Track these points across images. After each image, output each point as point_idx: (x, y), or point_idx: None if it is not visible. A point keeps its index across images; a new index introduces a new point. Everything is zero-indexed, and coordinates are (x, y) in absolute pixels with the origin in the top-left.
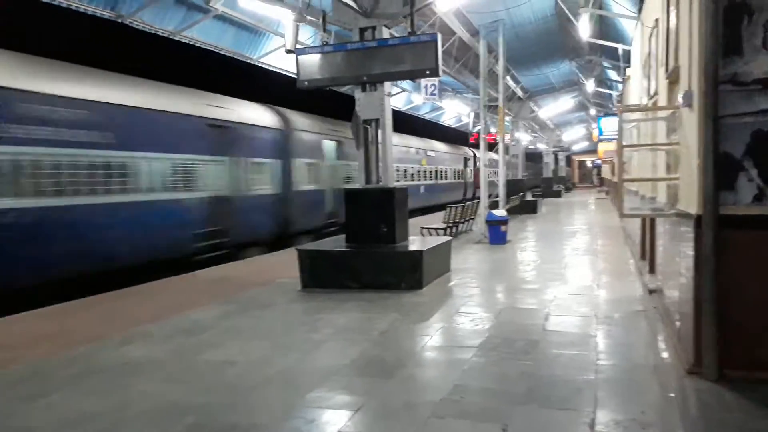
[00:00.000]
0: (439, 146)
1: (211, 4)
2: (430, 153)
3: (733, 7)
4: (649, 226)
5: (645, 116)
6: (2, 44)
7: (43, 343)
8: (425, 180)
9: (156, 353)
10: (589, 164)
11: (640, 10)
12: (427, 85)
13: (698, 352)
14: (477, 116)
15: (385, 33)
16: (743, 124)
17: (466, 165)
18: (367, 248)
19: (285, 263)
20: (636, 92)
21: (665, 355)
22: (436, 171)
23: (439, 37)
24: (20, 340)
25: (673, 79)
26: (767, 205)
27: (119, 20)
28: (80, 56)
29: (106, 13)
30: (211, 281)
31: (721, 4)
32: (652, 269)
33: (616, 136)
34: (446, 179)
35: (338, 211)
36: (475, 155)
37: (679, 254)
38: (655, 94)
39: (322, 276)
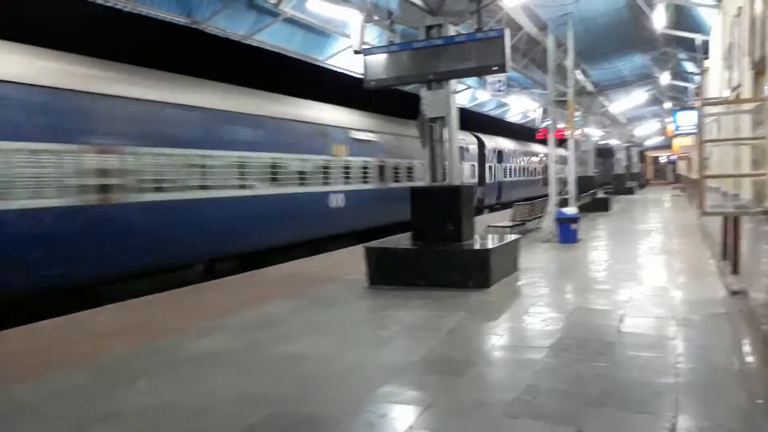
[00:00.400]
0: (536, 147)
1: (280, 7)
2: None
3: None
4: (731, 225)
5: (727, 109)
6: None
7: (126, 334)
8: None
9: (232, 345)
10: (663, 160)
11: None
12: (493, 81)
13: None
14: (545, 112)
15: (452, 30)
16: None
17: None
18: (433, 246)
19: (353, 260)
20: (716, 84)
21: (750, 359)
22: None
23: (507, 32)
24: (104, 331)
25: (759, 69)
26: None
27: (194, 26)
28: (159, 62)
29: (182, 20)
30: (282, 277)
31: None
32: (735, 270)
33: (694, 131)
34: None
35: None
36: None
37: (766, 254)
38: (739, 86)
39: (388, 273)
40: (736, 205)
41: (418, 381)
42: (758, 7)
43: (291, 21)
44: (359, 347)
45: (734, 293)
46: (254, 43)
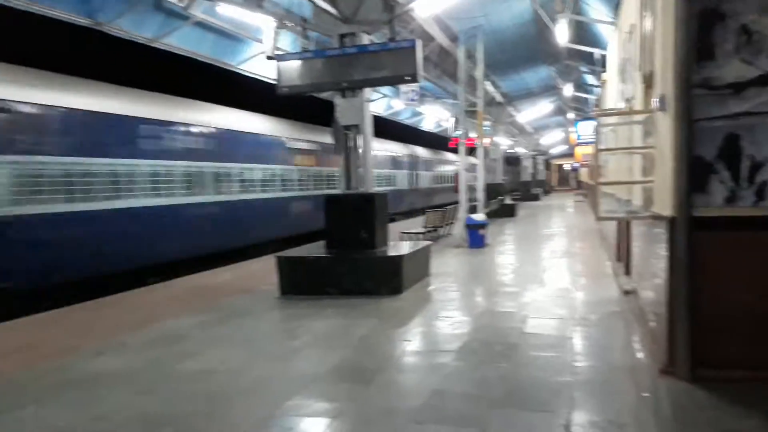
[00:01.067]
0: (431, 153)
1: (190, 11)
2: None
3: (705, 13)
4: (624, 229)
5: (621, 120)
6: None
7: (12, 356)
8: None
9: (132, 364)
10: (567, 168)
11: (616, 16)
12: (407, 90)
13: (672, 352)
14: (457, 121)
15: (365, 39)
16: (716, 128)
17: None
18: (346, 254)
19: (265, 271)
20: (613, 96)
21: (640, 355)
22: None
23: (419, 43)
24: None
25: (648, 83)
26: (739, 206)
27: (97, 27)
28: (59, 65)
29: (83, 21)
30: (191, 289)
31: (694, 10)
32: (627, 271)
33: (593, 140)
34: (443, 183)
35: None
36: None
37: (653, 256)
38: (632, 98)
39: (301, 283)
40: (628, 211)
41: (328, 391)
42: (648, 25)
43: (201, 25)
44: (269, 360)
45: (627, 293)
46: (162, 47)
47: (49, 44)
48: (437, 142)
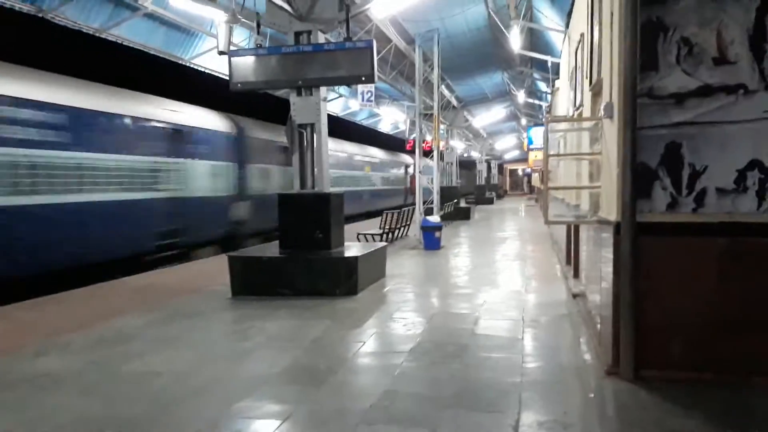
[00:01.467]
0: (381, 153)
1: (140, 2)
2: (374, 160)
3: (649, 24)
4: (573, 233)
5: (570, 126)
6: None
7: None
8: (368, 186)
9: (74, 365)
10: (520, 172)
11: (567, 25)
12: (363, 91)
13: (616, 353)
14: (413, 124)
15: (321, 38)
16: (659, 136)
17: (406, 172)
18: (301, 254)
19: (217, 270)
20: (563, 103)
21: (587, 357)
22: (381, 178)
23: (375, 43)
24: None
25: (596, 91)
26: (679, 212)
27: (39, 15)
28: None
29: (25, 8)
30: (137, 288)
31: (639, 21)
32: (576, 274)
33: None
34: (389, 185)
35: None
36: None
37: (600, 260)
38: (581, 105)
39: (254, 283)
40: (576, 215)
41: (279, 393)
42: (596, 34)
43: (152, 16)
44: (218, 361)
45: (575, 296)
46: (110, 38)
47: None
48: (393, 143)
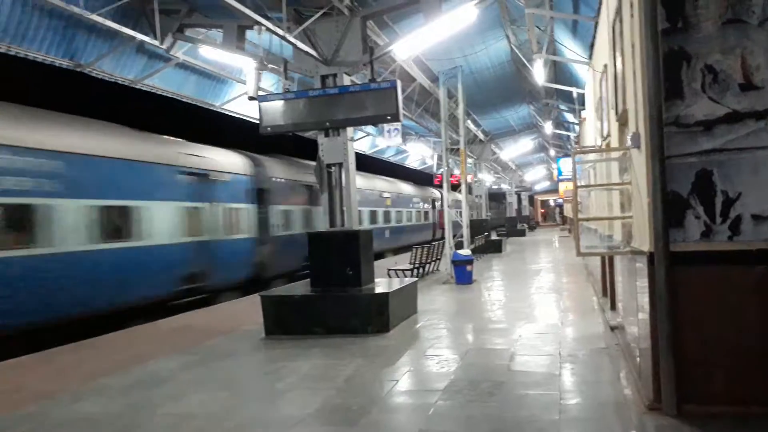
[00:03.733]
0: (406, 187)
1: (172, 53)
2: (393, 194)
3: (672, 53)
4: (608, 264)
5: (599, 157)
6: None
7: None
8: (390, 223)
9: (112, 408)
10: (551, 203)
11: (590, 56)
12: (389, 129)
13: (657, 387)
14: (440, 158)
15: (346, 80)
16: (688, 164)
17: (433, 206)
18: (332, 292)
19: (250, 310)
20: (591, 134)
21: (627, 391)
22: (402, 213)
23: (399, 83)
24: None
25: (622, 121)
26: (714, 241)
27: (78, 69)
28: (43, 104)
29: (65, 63)
30: (173, 330)
31: (661, 51)
32: (613, 306)
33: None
34: (411, 221)
35: None
36: (442, 196)
37: (636, 291)
38: (608, 135)
39: (286, 322)
40: (609, 246)
41: None
42: (619, 65)
43: (183, 66)
44: (252, 402)
45: (613, 328)
46: (145, 88)
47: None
48: (422, 178)
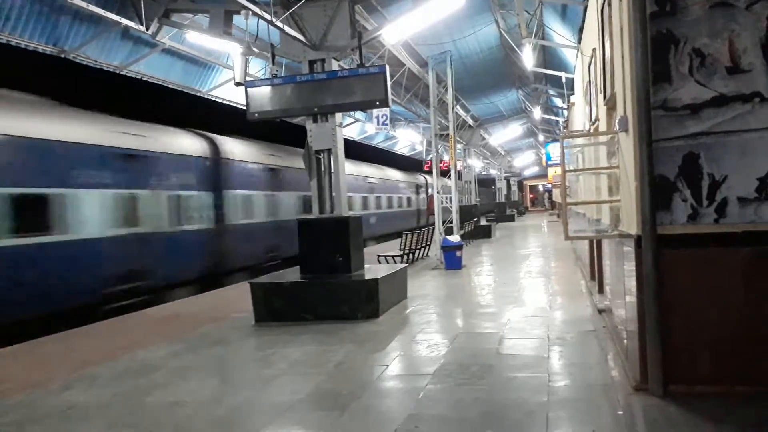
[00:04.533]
0: (389, 173)
1: (158, 39)
2: (371, 180)
3: (660, 37)
4: (596, 248)
5: (588, 141)
6: None
7: None
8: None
9: (101, 397)
10: (540, 188)
11: (579, 41)
12: (378, 115)
13: (644, 369)
14: (430, 144)
15: (335, 65)
16: (675, 148)
17: (418, 192)
18: (322, 279)
19: (240, 297)
20: (579, 118)
21: (614, 373)
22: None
23: (388, 68)
24: None
25: (610, 105)
26: (701, 223)
27: (62, 56)
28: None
29: (48, 49)
30: (162, 318)
31: (649, 35)
32: (601, 289)
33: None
34: (391, 208)
35: None
36: (427, 181)
37: (623, 274)
38: (596, 119)
39: (276, 309)
40: (597, 230)
41: (303, 419)
42: (608, 49)
43: (169, 52)
44: (242, 389)
45: (601, 311)
46: (130, 74)
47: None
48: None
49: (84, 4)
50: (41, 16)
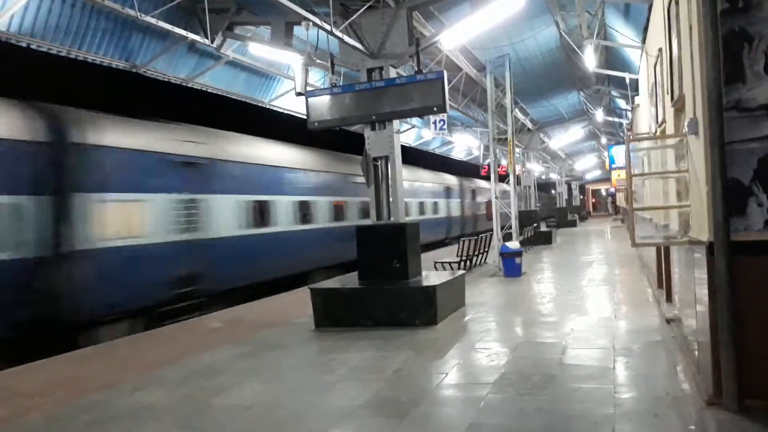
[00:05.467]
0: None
1: (222, 51)
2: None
3: (733, 35)
4: (664, 255)
5: (654, 144)
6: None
7: (58, 390)
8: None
9: (169, 398)
10: (603, 193)
11: (644, 40)
12: (435, 120)
13: (717, 382)
14: (487, 149)
15: (393, 72)
16: (750, 150)
17: (448, 196)
18: (379, 285)
19: (300, 303)
20: (645, 120)
21: (685, 386)
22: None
23: (445, 74)
24: (35, 387)
25: (678, 107)
26: None
27: (133, 70)
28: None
29: (121, 64)
30: (225, 323)
31: (721, 33)
32: (669, 298)
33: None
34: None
35: None
36: (491, 187)
37: (694, 282)
38: (663, 121)
39: (335, 315)
40: (665, 236)
41: (363, 425)
42: (675, 48)
43: (233, 63)
44: (304, 393)
45: (669, 321)
46: (196, 86)
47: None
48: (468, 169)
49: (153, 20)
50: (114, 35)
